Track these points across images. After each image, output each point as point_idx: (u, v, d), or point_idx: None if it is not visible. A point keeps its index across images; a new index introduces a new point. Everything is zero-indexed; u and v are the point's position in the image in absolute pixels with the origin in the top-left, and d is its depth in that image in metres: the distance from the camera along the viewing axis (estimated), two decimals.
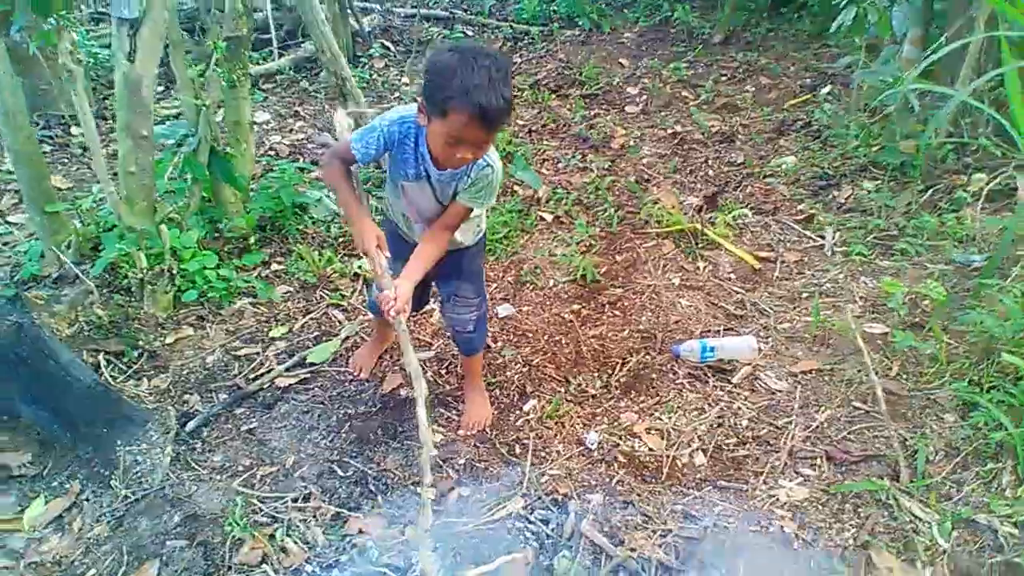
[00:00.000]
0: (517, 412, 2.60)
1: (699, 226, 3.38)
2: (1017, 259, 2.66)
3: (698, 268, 3.27)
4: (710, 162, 4.16)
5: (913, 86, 2.89)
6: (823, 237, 3.34)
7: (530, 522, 2.12)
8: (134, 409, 2.49)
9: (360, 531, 2.09)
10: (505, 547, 2.02)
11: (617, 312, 3.05)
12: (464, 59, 1.67)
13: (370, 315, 2.90)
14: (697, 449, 2.40)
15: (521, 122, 4.80)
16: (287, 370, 2.78)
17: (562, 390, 2.67)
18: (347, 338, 2.95)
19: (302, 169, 3.93)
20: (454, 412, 2.61)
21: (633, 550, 2.00)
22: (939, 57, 2.61)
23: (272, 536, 2.08)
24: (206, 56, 3.22)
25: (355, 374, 2.77)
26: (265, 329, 3.01)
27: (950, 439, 2.25)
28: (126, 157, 2.86)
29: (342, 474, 2.35)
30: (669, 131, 4.56)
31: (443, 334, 2.98)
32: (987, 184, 3.13)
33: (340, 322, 3.06)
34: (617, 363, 2.78)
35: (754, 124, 4.55)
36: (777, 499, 2.19)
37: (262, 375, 2.75)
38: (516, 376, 2.75)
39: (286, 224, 3.55)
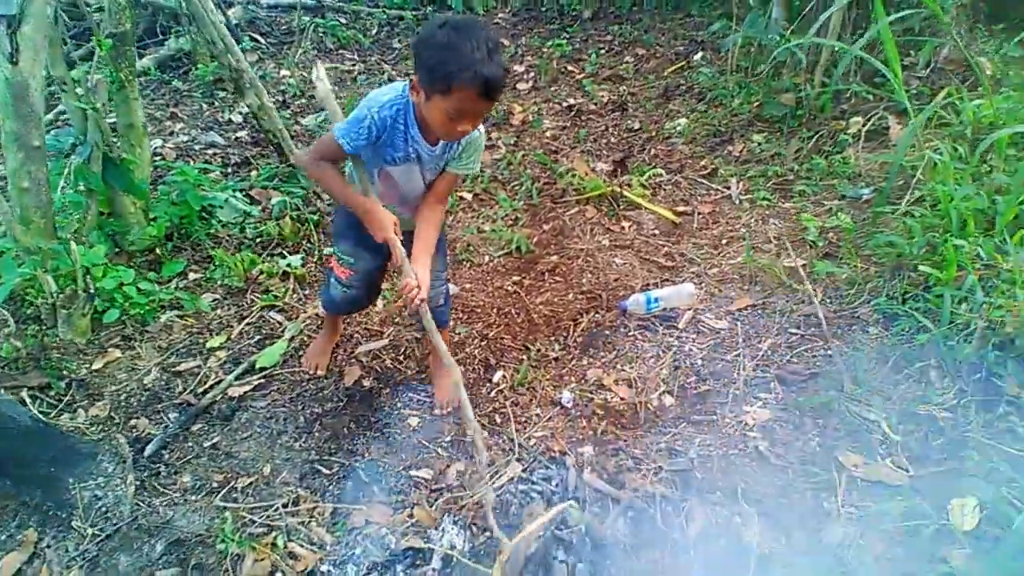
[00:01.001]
0: (487, 385, 2.63)
1: (617, 189, 3.53)
2: (901, 188, 3.01)
3: (623, 228, 3.43)
4: (610, 130, 4.35)
5: (798, 42, 3.17)
6: (728, 188, 3.60)
7: (533, 483, 2.17)
8: (79, 442, 2.28)
9: (367, 521, 2.05)
10: (515, 511, 2.06)
11: (558, 278, 3.15)
12: (460, 34, 1.66)
13: (321, 310, 2.78)
14: (664, 392, 2.54)
15: None
16: (237, 379, 2.64)
17: (524, 358, 2.73)
18: (293, 338, 2.84)
19: (205, 170, 3.69)
20: (423, 395, 2.59)
21: (635, 490, 2.10)
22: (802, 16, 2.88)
23: (274, 544, 2.00)
24: (89, 54, 2.95)
25: (311, 372, 2.68)
26: (200, 341, 2.83)
27: (879, 348, 2.54)
28: (17, 172, 2.57)
29: (327, 472, 2.28)
30: (564, 104, 4.71)
31: (391, 321, 2.94)
32: (863, 126, 3.51)
33: (280, 323, 2.94)
34: (570, 325, 2.88)
35: (641, 92, 4.79)
36: (745, 423, 2.37)
37: (211, 388, 2.60)
38: (476, 351, 2.78)
39: (193, 231, 3.33)
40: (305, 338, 2.86)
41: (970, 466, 2.03)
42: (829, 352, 2.57)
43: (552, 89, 4.99)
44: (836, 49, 3.52)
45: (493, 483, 2.15)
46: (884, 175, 3.33)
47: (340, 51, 5.78)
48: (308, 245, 3.40)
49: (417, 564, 1.88)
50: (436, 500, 2.13)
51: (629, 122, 4.38)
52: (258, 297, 3.06)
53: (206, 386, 2.61)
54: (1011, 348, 2.18)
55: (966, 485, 1.98)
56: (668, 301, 2.88)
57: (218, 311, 2.99)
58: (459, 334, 2.84)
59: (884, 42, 2.77)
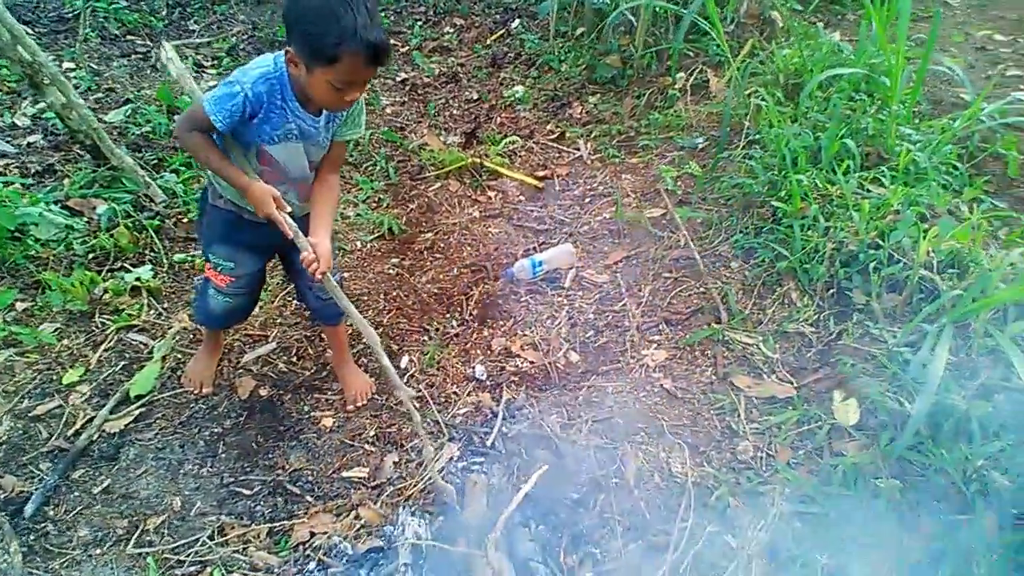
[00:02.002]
0: (396, 371, 2.56)
1: (477, 159, 3.55)
2: (733, 135, 3.33)
3: (490, 198, 3.47)
4: (450, 102, 4.33)
5: (628, 5, 3.36)
6: (578, 149, 3.76)
7: (473, 458, 2.17)
8: None
9: (312, 534, 1.94)
10: (460, 488, 2.06)
11: (437, 255, 3.13)
12: (339, 1, 1.57)
13: (196, 323, 2.52)
14: (568, 349, 2.65)
15: None
16: (112, 412, 2.34)
17: (426, 339, 2.70)
18: (165, 358, 2.57)
19: (7, 183, 3.15)
20: (331, 393, 2.48)
21: (573, 442, 2.19)
22: None
23: None
24: None
25: (196, 392, 2.45)
26: (53, 378, 2.46)
27: (743, 280, 2.82)
28: None
29: (248, 492, 2.12)
30: (398, 79, 4.60)
31: (274, 323, 2.76)
32: (687, 81, 3.82)
33: (144, 345, 2.63)
34: (461, 300, 2.88)
35: (470, 62, 4.81)
36: (647, 366, 2.55)
37: (83, 427, 2.28)
38: None
39: (7, 254, 2.86)
40: (179, 356, 2.59)
41: (842, 369, 2.35)
42: (702, 290, 2.82)
43: None
44: (657, 9, 3.78)
45: (433, 468, 2.13)
46: (713, 124, 3.66)
47: (128, 37, 5.15)
48: (152, 254, 3.05)
49: (381, 564, 1.82)
50: (379, 496, 2.06)
51: (467, 93, 4.39)
52: (109, 319, 2.71)
53: (76, 426, 2.29)
54: (856, 263, 2.53)
55: (842, 385, 2.30)
56: (551, 263, 2.98)
57: (65, 341, 2.61)
58: (351, 326, 2.73)
59: (705, 2, 3.03)
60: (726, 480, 2.09)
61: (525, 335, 2.70)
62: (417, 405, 2.19)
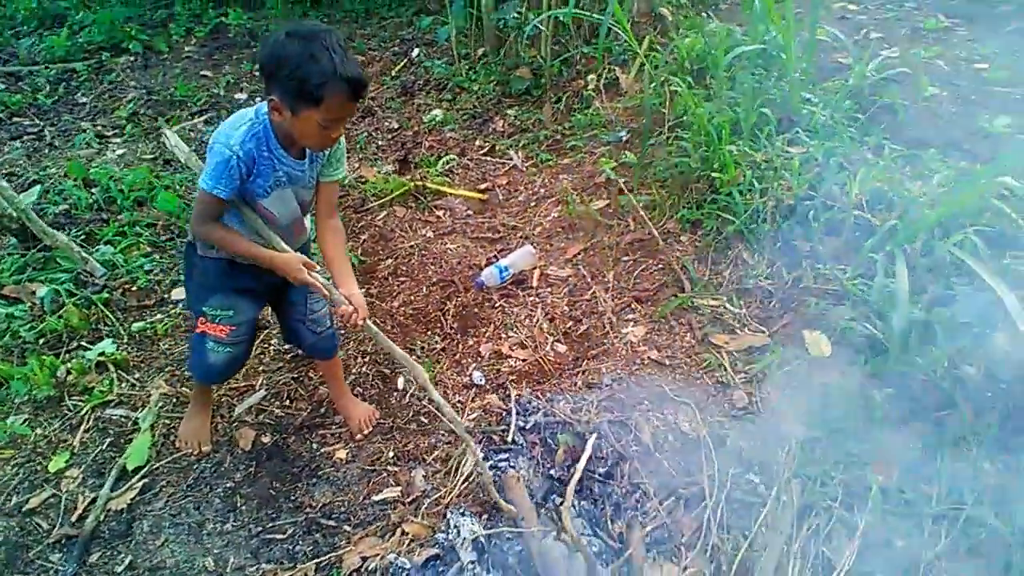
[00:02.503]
0: (395, 394, 2.59)
1: (419, 183, 3.62)
2: (654, 123, 3.56)
3: (439, 217, 3.55)
4: (373, 134, 4.38)
5: (539, 18, 3.56)
6: (511, 159, 3.90)
7: (502, 450, 2.23)
8: None
9: (363, 559, 1.94)
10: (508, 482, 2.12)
11: (403, 278, 3.17)
12: (313, 42, 1.63)
13: (198, 381, 2.41)
14: (553, 342, 2.76)
15: (163, 156, 4.29)
16: (113, 490, 2.24)
17: (415, 357, 2.73)
18: (153, 427, 2.48)
19: None
20: (335, 427, 2.48)
21: (587, 422, 2.29)
22: None
23: None
24: None
25: (195, 453, 2.39)
26: (38, 469, 2.33)
27: (695, 250, 3.02)
28: None
29: (281, 536, 2.09)
30: None
31: (257, 372, 2.72)
32: (599, 82, 4.05)
33: (125, 418, 2.53)
34: (438, 315, 2.94)
35: (381, 94, 4.88)
36: (631, 343, 2.69)
37: (86, 511, 2.18)
38: (365, 368, 2.71)
39: None
40: (167, 421, 2.51)
41: (806, 310, 2.57)
42: (661, 266, 3.01)
43: None
44: (562, 19, 4.00)
45: (461, 475, 2.18)
46: (631, 117, 3.90)
47: (15, 119, 4.90)
48: (108, 328, 2.93)
49: (443, 570, 1.85)
50: (419, 510, 2.09)
51: (387, 123, 4.46)
52: (80, 400, 2.59)
53: (78, 511, 2.18)
54: (794, 215, 2.78)
55: (809, 325, 2.52)
56: (516, 266, 3.08)
57: (38, 431, 2.47)
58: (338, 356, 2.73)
59: (613, 6, 3.27)
60: (733, 427, 2.25)
61: (510, 336, 2.79)
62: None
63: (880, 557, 1.82)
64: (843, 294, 2.52)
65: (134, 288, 3.13)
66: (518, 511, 1.90)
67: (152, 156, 4.32)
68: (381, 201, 3.64)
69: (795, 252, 2.78)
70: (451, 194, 3.64)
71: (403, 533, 2.00)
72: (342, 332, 2.81)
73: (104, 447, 2.42)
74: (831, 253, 2.68)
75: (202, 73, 5.49)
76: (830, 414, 2.17)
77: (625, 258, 3.10)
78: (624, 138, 3.77)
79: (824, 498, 1.94)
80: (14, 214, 3.13)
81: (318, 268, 1.91)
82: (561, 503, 1.88)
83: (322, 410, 2.55)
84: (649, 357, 2.61)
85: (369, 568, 1.91)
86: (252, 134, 1.77)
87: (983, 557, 1.75)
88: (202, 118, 4.80)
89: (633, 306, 2.86)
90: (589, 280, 3.03)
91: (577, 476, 1.69)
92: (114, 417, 2.54)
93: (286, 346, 2.80)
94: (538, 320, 2.85)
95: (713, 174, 2.98)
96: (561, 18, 3.97)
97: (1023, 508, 1.79)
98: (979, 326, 2.10)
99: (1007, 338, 1.88)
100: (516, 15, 4.01)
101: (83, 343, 2.85)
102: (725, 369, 2.50)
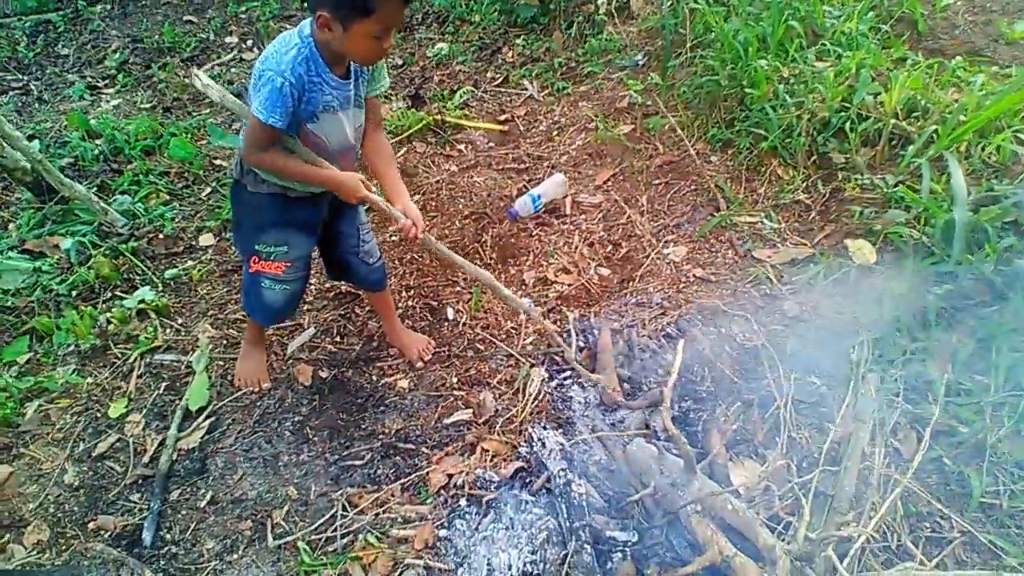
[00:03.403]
0: (446, 324, 2.60)
1: (438, 117, 3.56)
2: (674, 45, 3.52)
3: (461, 151, 3.50)
4: None
5: None
6: (527, 89, 3.84)
7: (564, 369, 2.26)
8: None
9: (448, 476, 1.99)
10: (563, 405, 2.16)
11: (433, 213, 3.14)
12: None
13: (258, 321, 2.39)
14: (596, 266, 2.77)
15: (162, 104, 4.15)
16: (180, 431, 2.25)
17: (459, 288, 2.74)
18: (207, 368, 2.47)
19: None
20: (391, 359, 2.48)
21: (648, 338, 2.33)
22: None
23: (369, 543, 1.84)
24: None
25: (256, 390, 2.39)
26: (99, 416, 2.33)
27: (727, 169, 3.04)
28: None
29: (360, 462, 2.12)
30: None
31: (302, 311, 2.70)
32: (609, 5, 3.97)
33: (177, 362, 2.52)
34: (476, 247, 2.93)
35: None
36: (673, 262, 2.72)
37: (156, 452, 2.19)
38: (411, 302, 2.71)
39: None
40: (222, 362, 2.50)
41: (844, 221, 2.61)
42: (694, 187, 3.02)
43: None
44: None
45: (530, 395, 2.21)
46: (645, 40, 3.85)
47: None
48: (139, 277, 2.89)
49: (531, 481, 1.90)
50: (493, 429, 2.12)
51: (391, 59, 4.34)
52: (126, 348, 2.57)
53: (149, 452, 2.19)
54: (829, 128, 2.80)
55: (850, 235, 2.56)
56: (548, 195, 3.07)
57: (89, 379, 2.45)
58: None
59: None
60: (788, 334, 2.31)
61: (552, 263, 2.80)
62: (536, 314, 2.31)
63: (946, 443, 1.90)
64: (884, 201, 2.56)
65: (161, 236, 3.07)
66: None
67: (151, 104, 4.18)
68: (399, 138, 3.57)
69: (829, 165, 2.80)
70: (471, 127, 3.59)
71: (483, 451, 2.04)
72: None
73: (161, 391, 2.41)
74: (868, 163, 2.71)
75: (186, 19, 5.28)
76: (884, 316, 2.23)
77: (656, 181, 3.11)
78: (641, 62, 3.73)
79: (887, 392, 2.01)
80: (28, 166, 3.03)
81: (374, 188, 1.89)
82: (658, 404, 1.92)
83: (375, 343, 2.56)
84: (694, 274, 2.65)
85: (457, 484, 1.96)
86: (302, 58, 1.70)
87: None
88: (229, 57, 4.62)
89: (670, 227, 2.88)
90: (623, 204, 3.03)
91: (673, 378, 1.73)
92: (165, 362, 2.52)
93: (328, 284, 2.79)
94: (577, 246, 2.86)
95: (745, 90, 2.97)
96: None
97: None
98: None
99: None
100: None
101: (117, 293, 2.81)
102: (771, 281, 2.54)
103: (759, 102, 2.93)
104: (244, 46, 4.87)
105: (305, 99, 1.76)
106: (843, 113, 2.78)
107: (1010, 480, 1.80)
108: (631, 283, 2.67)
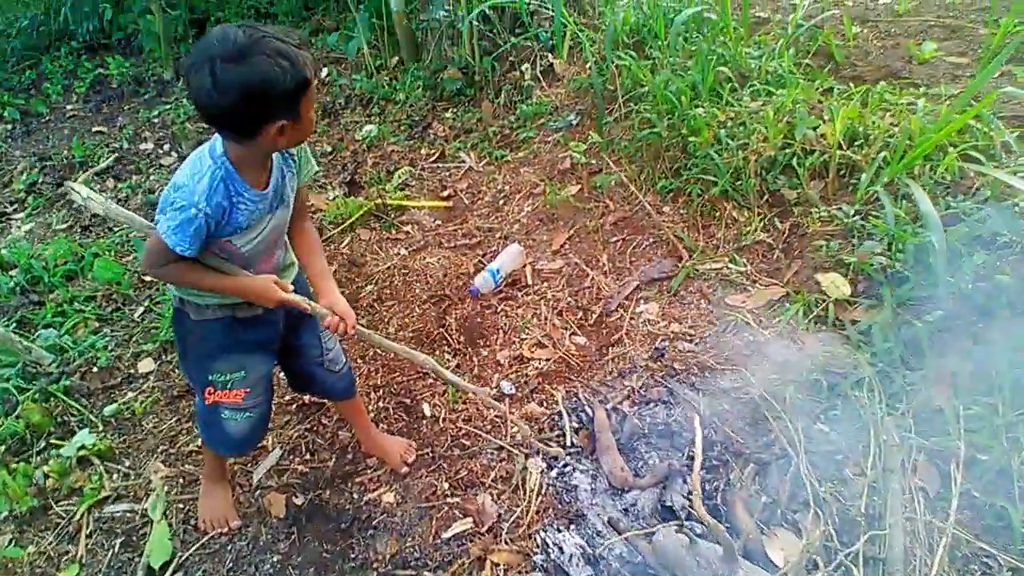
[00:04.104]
0: (423, 423, 2.42)
1: (380, 201, 3.44)
2: (607, 100, 3.52)
3: (408, 233, 3.38)
4: None
5: (476, 11, 3.44)
6: (464, 161, 3.77)
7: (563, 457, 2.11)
8: None
9: None
10: (569, 495, 2.01)
11: (390, 302, 2.99)
12: (263, 48, 1.38)
13: (223, 455, 2.16)
14: (571, 335, 2.66)
15: (79, 223, 3.88)
16: None
17: (431, 381, 2.57)
18: (166, 514, 2.21)
19: None
20: (371, 470, 2.28)
21: (641, 405, 2.21)
22: None
23: None
24: None
25: (225, 531, 2.14)
26: None
27: (683, 215, 3.00)
28: None
29: None
30: None
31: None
32: (534, 69, 3.98)
33: (131, 511, 2.25)
34: (441, 332, 2.79)
35: None
36: (648, 320, 2.63)
37: None
38: (380, 403, 2.53)
39: None
40: (181, 505, 2.25)
41: (809, 256, 2.59)
42: (652, 240, 2.97)
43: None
44: (484, 13, 3.91)
45: (531, 490, 2.05)
46: (574, 100, 3.85)
47: None
48: (76, 418, 2.61)
49: None
50: (500, 536, 1.94)
51: (319, 147, 4.22)
52: (70, 504, 2.28)
53: None
54: (776, 165, 2.80)
55: (819, 269, 2.54)
56: (506, 267, 2.97)
57: (31, 548, 2.15)
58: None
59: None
60: (783, 380, 2.23)
61: (525, 338, 2.67)
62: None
63: (970, 474, 1.83)
64: (846, 232, 2.56)
65: (95, 369, 2.81)
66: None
67: (67, 225, 3.92)
68: (341, 227, 3.43)
69: (782, 202, 2.80)
70: (414, 207, 3.48)
71: (494, 565, 1.86)
72: None
73: (116, 549, 2.13)
74: (821, 195, 2.71)
75: (95, 130, 5.05)
76: (876, 348, 2.19)
77: (614, 239, 3.05)
78: (575, 122, 3.72)
79: (901, 430, 1.94)
80: None
81: (291, 287, 1.74)
82: (689, 492, 1.78)
83: (350, 456, 2.35)
84: (672, 331, 2.56)
85: None
86: (218, 183, 1.53)
87: None
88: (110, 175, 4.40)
89: (638, 284, 2.80)
90: (584, 267, 2.95)
91: (699, 462, 1.60)
92: (117, 514, 2.25)
93: (288, 395, 2.58)
94: (547, 317, 2.75)
95: (687, 139, 2.97)
96: (486, 11, 3.87)
97: None
98: (996, 236, 2.17)
99: None
100: (445, 11, 3.87)
101: (52, 441, 2.53)
102: (752, 326, 2.48)
103: (702, 148, 2.93)
104: (161, 151, 4.67)
105: (225, 222, 1.59)
106: (787, 150, 2.80)
107: None
108: (610, 348, 2.56)
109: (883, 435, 1.82)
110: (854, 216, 2.55)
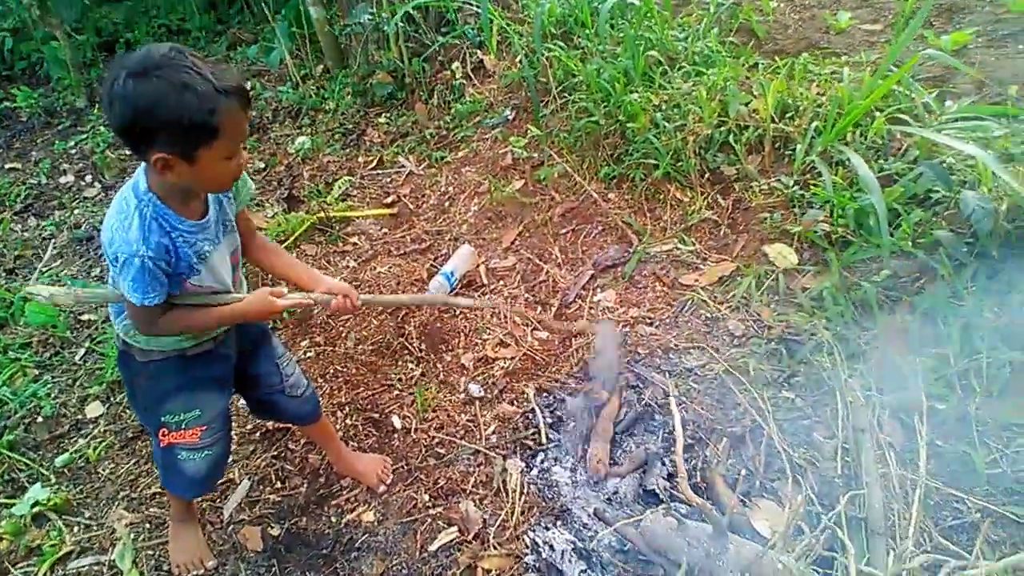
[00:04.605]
0: (395, 436, 2.39)
1: (323, 214, 3.36)
2: (541, 93, 3.53)
3: (355, 244, 3.31)
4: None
5: (401, 14, 3.39)
6: (404, 166, 3.72)
7: (539, 451, 2.11)
8: None
9: None
10: (549, 491, 2.01)
11: (346, 316, 2.92)
12: (168, 70, 1.32)
13: (184, 498, 2.05)
14: (532, 331, 2.66)
15: (2, 267, 3.68)
16: None
17: (398, 391, 2.54)
18: (135, 562, 2.12)
19: None
20: (346, 491, 2.24)
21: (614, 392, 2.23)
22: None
23: None
24: None
25: (201, 572, 2.07)
26: None
27: (628, 201, 3.03)
28: None
29: None
30: None
31: (230, 462, 2.39)
32: (464, 69, 3.95)
33: (98, 563, 2.15)
34: (402, 342, 2.74)
35: None
36: (607, 308, 2.66)
37: None
38: (347, 420, 2.47)
39: None
40: (150, 551, 2.15)
41: (755, 229, 2.66)
42: (601, 227, 2.99)
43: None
44: (412, 14, 3.86)
45: (513, 490, 2.04)
46: (508, 96, 3.84)
47: None
48: (25, 473, 2.47)
49: None
50: (487, 542, 1.92)
51: (253, 164, 4.10)
52: (30, 566, 2.16)
53: None
54: (714, 143, 2.86)
55: (765, 241, 2.60)
56: (460, 269, 2.94)
57: None
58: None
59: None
60: (745, 354, 2.28)
61: (486, 339, 2.65)
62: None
63: (931, 425, 1.91)
64: (787, 203, 2.63)
65: (40, 419, 2.66)
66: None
67: None
68: (285, 244, 3.33)
69: (722, 179, 2.86)
70: (358, 217, 3.41)
71: (485, 572, 1.84)
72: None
73: None
74: (759, 169, 2.78)
75: (8, 167, 4.77)
76: (828, 313, 2.25)
77: (563, 230, 3.06)
78: (511, 117, 3.71)
79: (863, 389, 2.01)
80: None
81: (285, 290, 1.72)
82: (669, 475, 1.80)
83: (323, 479, 2.30)
84: (632, 316, 2.59)
85: None
86: (148, 222, 1.45)
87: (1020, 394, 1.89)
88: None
89: (592, 273, 2.82)
90: (538, 261, 2.95)
91: (680, 443, 1.62)
92: (83, 569, 2.14)
93: (250, 423, 2.50)
94: (506, 316, 2.74)
95: (624, 125, 3.00)
96: (411, 12, 3.82)
97: None
98: (929, 193, 2.26)
99: (971, 194, 2.03)
100: (369, 15, 3.80)
101: (2, 500, 2.38)
102: (708, 304, 2.53)
103: (641, 133, 2.96)
104: (83, 183, 4.45)
105: (173, 263, 1.53)
106: (723, 128, 2.86)
107: (1003, 445, 1.82)
108: (573, 339, 2.57)
109: (848, 396, 1.88)
110: (794, 186, 2.63)
